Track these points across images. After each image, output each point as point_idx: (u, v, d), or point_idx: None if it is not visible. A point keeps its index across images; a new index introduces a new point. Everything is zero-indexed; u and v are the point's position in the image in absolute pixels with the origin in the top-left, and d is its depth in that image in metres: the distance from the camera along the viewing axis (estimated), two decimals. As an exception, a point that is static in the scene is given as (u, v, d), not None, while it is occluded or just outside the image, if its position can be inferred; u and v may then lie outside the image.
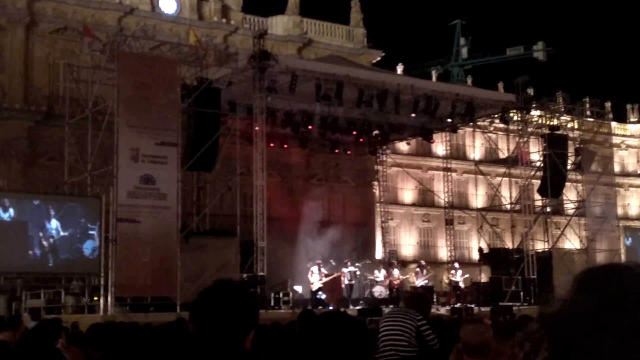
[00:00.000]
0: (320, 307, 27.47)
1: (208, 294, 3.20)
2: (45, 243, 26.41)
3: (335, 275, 31.97)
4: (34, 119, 36.73)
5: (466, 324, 5.43)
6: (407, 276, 36.34)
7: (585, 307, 1.51)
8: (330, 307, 28.91)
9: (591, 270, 1.59)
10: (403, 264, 39.62)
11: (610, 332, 1.47)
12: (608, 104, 58.28)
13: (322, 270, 31.65)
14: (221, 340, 3.04)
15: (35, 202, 27.02)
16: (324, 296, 31.13)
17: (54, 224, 26.53)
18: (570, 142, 39.85)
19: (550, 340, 1.59)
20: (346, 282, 32.77)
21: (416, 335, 8.35)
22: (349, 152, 42.26)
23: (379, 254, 44.37)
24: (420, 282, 35.21)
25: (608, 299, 1.50)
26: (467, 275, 37.44)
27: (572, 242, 41.78)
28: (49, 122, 36.24)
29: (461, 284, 36.59)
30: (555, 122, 39.48)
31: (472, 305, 32.63)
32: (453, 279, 36.89)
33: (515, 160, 39.41)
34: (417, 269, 36.43)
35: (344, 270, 32.87)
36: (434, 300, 34.66)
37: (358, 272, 33.46)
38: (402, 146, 48.40)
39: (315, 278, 31.21)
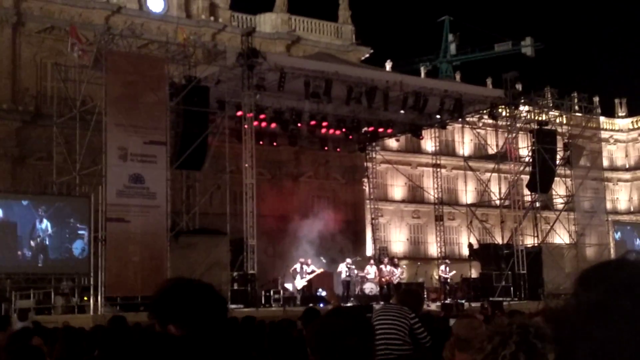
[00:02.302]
0: (321, 305, 27.30)
1: (168, 294, 3.14)
2: (34, 243, 26.31)
3: (318, 272, 31.80)
4: (21, 119, 36.53)
5: (460, 318, 5.42)
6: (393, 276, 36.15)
7: (590, 299, 1.54)
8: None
9: (592, 268, 1.63)
10: (393, 260, 39.54)
11: (619, 318, 1.49)
12: (596, 99, 58.37)
13: (306, 267, 31.47)
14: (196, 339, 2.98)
15: (24, 203, 26.92)
16: (324, 293, 30.71)
17: (43, 224, 26.42)
18: (558, 137, 39.95)
19: (557, 335, 1.61)
20: (343, 277, 32.72)
21: (409, 333, 8.27)
22: (338, 149, 42.25)
23: (369, 250, 44.37)
24: (396, 278, 34.87)
25: (614, 287, 1.53)
26: (454, 272, 37.56)
27: (561, 236, 41.88)
28: (37, 122, 36.07)
29: (449, 280, 36.67)
30: (543, 117, 39.58)
31: (463, 301, 32.70)
32: (443, 275, 36.96)
33: (504, 155, 39.49)
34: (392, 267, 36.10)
35: (341, 266, 32.86)
36: (425, 296, 34.73)
37: (355, 269, 33.38)
38: (392, 143, 48.43)
39: (298, 276, 31.17)
